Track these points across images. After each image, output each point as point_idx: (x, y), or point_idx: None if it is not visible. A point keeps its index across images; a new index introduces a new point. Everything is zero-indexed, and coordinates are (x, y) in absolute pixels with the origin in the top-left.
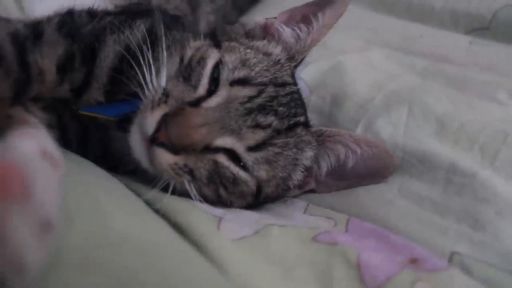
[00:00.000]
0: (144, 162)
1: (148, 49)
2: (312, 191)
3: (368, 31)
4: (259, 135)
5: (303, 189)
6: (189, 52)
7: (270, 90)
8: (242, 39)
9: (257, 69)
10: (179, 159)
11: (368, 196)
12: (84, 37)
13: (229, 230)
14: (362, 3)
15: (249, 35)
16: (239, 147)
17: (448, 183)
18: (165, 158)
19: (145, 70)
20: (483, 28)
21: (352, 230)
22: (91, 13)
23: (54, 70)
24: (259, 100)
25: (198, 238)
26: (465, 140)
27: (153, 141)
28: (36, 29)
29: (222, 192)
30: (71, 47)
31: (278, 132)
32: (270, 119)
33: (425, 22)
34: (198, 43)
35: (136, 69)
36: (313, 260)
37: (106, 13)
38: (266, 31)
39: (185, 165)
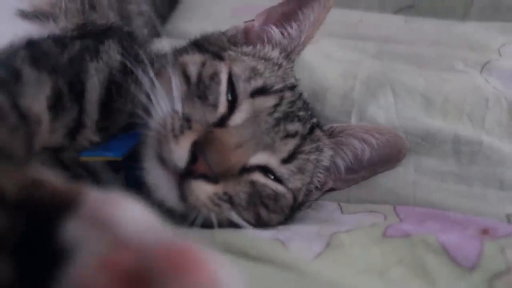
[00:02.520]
0: (172, 201)
1: (132, 72)
2: (331, 189)
3: None
4: (290, 145)
5: (323, 190)
6: (193, 69)
7: (288, 95)
8: (232, 47)
9: (267, 75)
10: (218, 188)
11: (391, 182)
12: (65, 70)
13: (300, 250)
14: None
15: (231, 41)
16: (273, 162)
17: (458, 153)
18: (205, 190)
19: (142, 95)
20: (409, 6)
21: (407, 218)
22: (57, 40)
23: (47, 114)
24: (283, 108)
25: (293, 262)
26: (453, 111)
27: (188, 174)
28: (8, 69)
29: (262, 212)
30: (56, 84)
31: (304, 138)
32: (296, 125)
33: (354, 7)
34: (197, 58)
35: (129, 96)
36: (400, 257)
37: (70, 38)
38: (247, 35)
39: (225, 193)
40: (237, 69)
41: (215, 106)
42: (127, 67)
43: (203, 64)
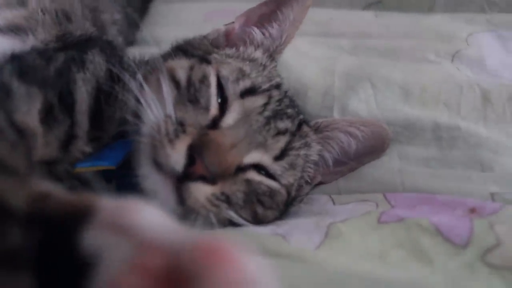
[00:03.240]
0: (170, 205)
1: (119, 80)
2: (320, 183)
3: None
4: (281, 142)
5: (313, 184)
6: (181, 73)
7: (276, 93)
8: (215, 50)
9: (254, 75)
10: (216, 189)
11: (378, 171)
12: (53, 82)
13: (300, 242)
14: None
15: (214, 44)
16: (266, 159)
17: (439, 140)
18: (203, 191)
19: (131, 101)
20: (377, 1)
21: (398, 204)
22: (41, 53)
23: (41, 127)
24: (272, 106)
25: (298, 253)
26: (430, 100)
27: (186, 177)
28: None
29: (259, 210)
30: (46, 97)
31: (293, 135)
32: (286, 123)
33: (323, 5)
34: (183, 62)
35: (117, 104)
36: (397, 240)
37: (53, 50)
38: (228, 37)
39: (222, 193)
40: (225, 72)
41: (206, 108)
42: (113, 75)
43: (191, 68)
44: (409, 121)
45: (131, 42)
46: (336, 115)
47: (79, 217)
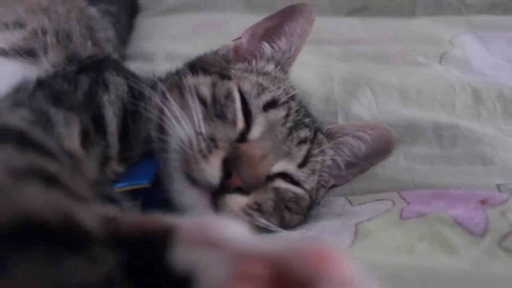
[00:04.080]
0: (204, 216)
1: (140, 97)
2: (333, 186)
3: None
4: (303, 150)
5: (327, 187)
6: (205, 90)
7: (293, 104)
8: (231, 66)
9: (272, 89)
10: (250, 199)
11: (387, 171)
12: (84, 107)
13: (332, 243)
14: (239, 7)
15: (225, 60)
16: (291, 167)
17: (440, 138)
18: (238, 202)
19: (155, 119)
20: (361, 7)
21: (414, 200)
22: (65, 78)
23: (82, 152)
24: (292, 117)
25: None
26: (427, 101)
27: (223, 190)
28: (37, 112)
29: (286, 215)
30: (82, 121)
31: (312, 142)
32: (305, 132)
33: None
34: (204, 79)
35: (143, 122)
36: (421, 234)
37: (74, 72)
38: (237, 52)
39: (255, 203)
40: (245, 87)
41: (234, 123)
42: (134, 93)
43: (214, 85)
44: (410, 122)
45: (122, 58)
46: (340, 120)
47: (159, 238)
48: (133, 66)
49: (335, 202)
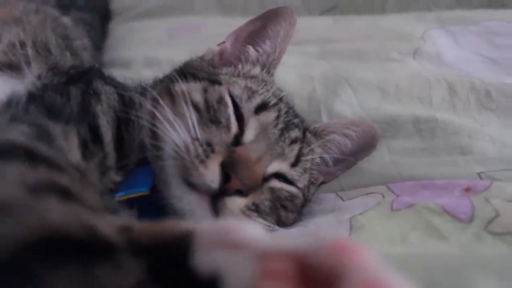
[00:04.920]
0: (204, 220)
1: (130, 105)
2: (322, 183)
3: None
4: (295, 150)
5: (317, 184)
6: (197, 96)
7: (282, 106)
8: (218, 71)
9: (261, 91)
10: (248, 200)
11: (373, 166)
12: (80, 118)
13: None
14: (213, 10)
15: (211, 64)
16: (285, 167)
17: (420, 131)
18: (238, 204)
19: (147, 126)
20: (333, 6)
21: (402, 192)
22: (55, 90)
23: (83, 163)
24: (282, 119)
25: None
26: (405, 96)
27: (222, 193)
28: (35, 127)
29: (282, 214)
30: (79, 133)
31: (302, 142)
32: (296, 132)
33: None
34: (195, 85)
35: (136, 130)
36: (412, 224)
37: (62, 83)
38: (222, 56)
39: (253, 203)
40: (236, 91)
41: (228, 127)
42: (124, 101)
43: (205, 91)
44: (391, 117)
45: (100, 65)
46: (324, 118)
47: (178, 243)
48: (113, 73)
49: (325, 198)
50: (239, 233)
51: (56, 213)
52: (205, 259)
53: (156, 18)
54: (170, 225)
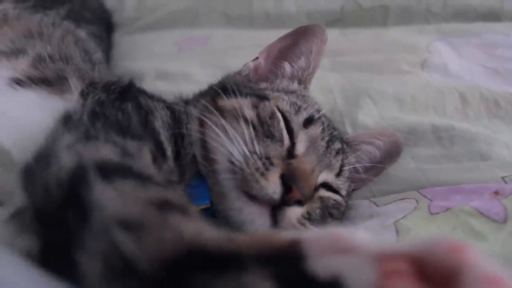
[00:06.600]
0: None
1: (181, 121)
2: (353, 190)
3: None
4: (339, 161)
5: (350, 192)
6: (249, 112)
7: (324, 120)
8: (259, 86)
9: (305, 106)
10: (304, 210)
11: (401, 173)
12: (144, 134)
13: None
14: (219, 23)
15: (248, 80)
16: (331, 177)
17: (440, 139)
18: (296, 213)
19: (203, 142)
20: (337, 19)
21: (435, 197)
22: (112, 106)
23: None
24: (327, 132)
25: None
26: (421, 106)
27: (283, 203)
28: (123, 150)
29: (329, 221)
30: (149, 148)
31: (343, 152)
32: (338, 143)
33: (286, 27)
34: (244, 101)
35: (188, 145)
36: (452, 225)
37: (112, 100)
38: (256, 72)
39: (307, 212)
40: (283, 106)
41: (281, 141)
42: (174, 117)
43: (255, 106)
44: (411, 127)
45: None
46: (348, 128)
47: (288, 252)
48: None
49: (359, 205)
50: (350, 239)
51: (189, 228)
52: (322, 265)
53: (160, 30)
54: (271, 236)
